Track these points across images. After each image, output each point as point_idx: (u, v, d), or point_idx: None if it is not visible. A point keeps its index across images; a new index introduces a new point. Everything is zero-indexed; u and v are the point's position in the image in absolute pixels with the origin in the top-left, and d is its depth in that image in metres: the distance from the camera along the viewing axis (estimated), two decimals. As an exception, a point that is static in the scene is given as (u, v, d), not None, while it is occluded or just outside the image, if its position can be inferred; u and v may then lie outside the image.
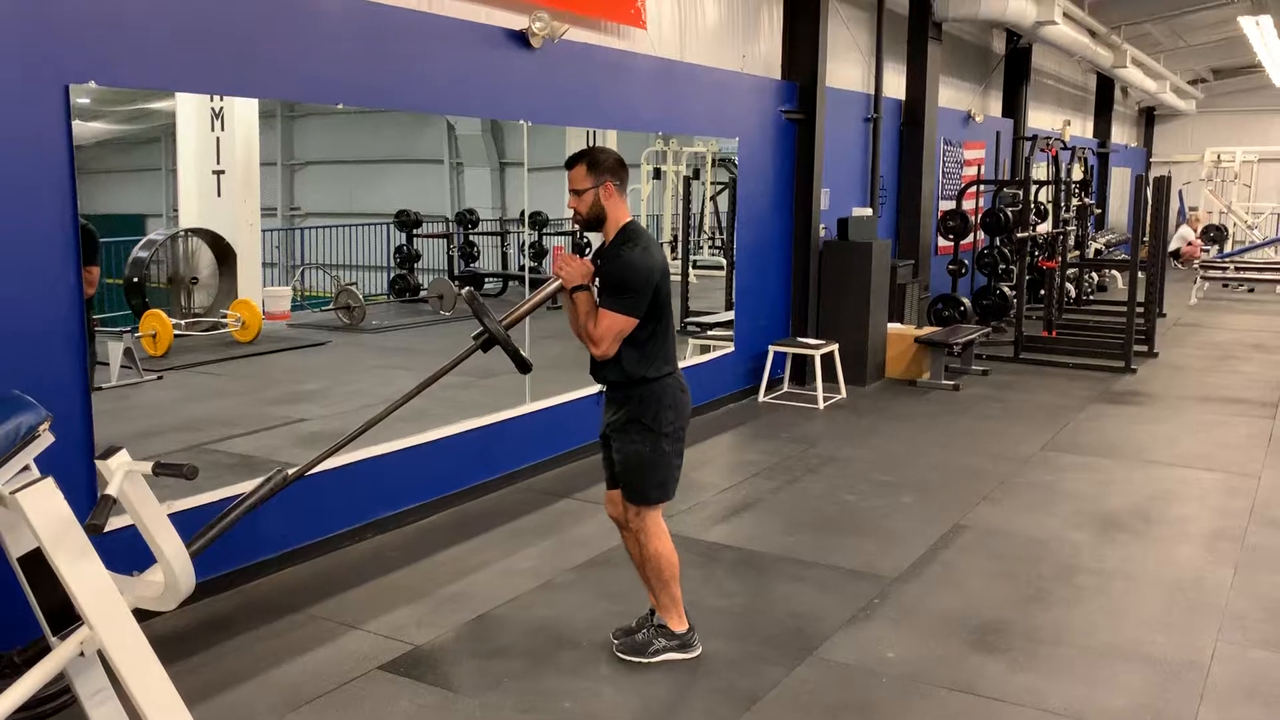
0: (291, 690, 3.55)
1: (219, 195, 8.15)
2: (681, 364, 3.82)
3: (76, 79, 3.72)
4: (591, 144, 10.67)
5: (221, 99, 7.49)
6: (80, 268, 3.80)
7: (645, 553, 3.73)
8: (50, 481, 2.26)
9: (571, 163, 3.58)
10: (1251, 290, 15.87)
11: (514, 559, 4.81)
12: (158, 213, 10.94)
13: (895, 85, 10.42)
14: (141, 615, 2.48)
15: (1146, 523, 5.36)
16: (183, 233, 8.18)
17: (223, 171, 8.06)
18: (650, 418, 3.62)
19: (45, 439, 2.36)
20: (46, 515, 2.23)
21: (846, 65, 9.51)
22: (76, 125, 3.76)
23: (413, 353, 9.30)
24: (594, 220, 3.61)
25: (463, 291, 3.50)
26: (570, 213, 3.64)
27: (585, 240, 11.32)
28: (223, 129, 7.97)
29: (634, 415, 3.63)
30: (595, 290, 3.58)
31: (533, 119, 5.93)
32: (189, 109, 7.94)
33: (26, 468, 2.35)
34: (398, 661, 3.77)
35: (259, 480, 2.83)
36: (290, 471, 2.88)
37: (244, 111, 7.80)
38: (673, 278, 3.81)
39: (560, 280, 3.55)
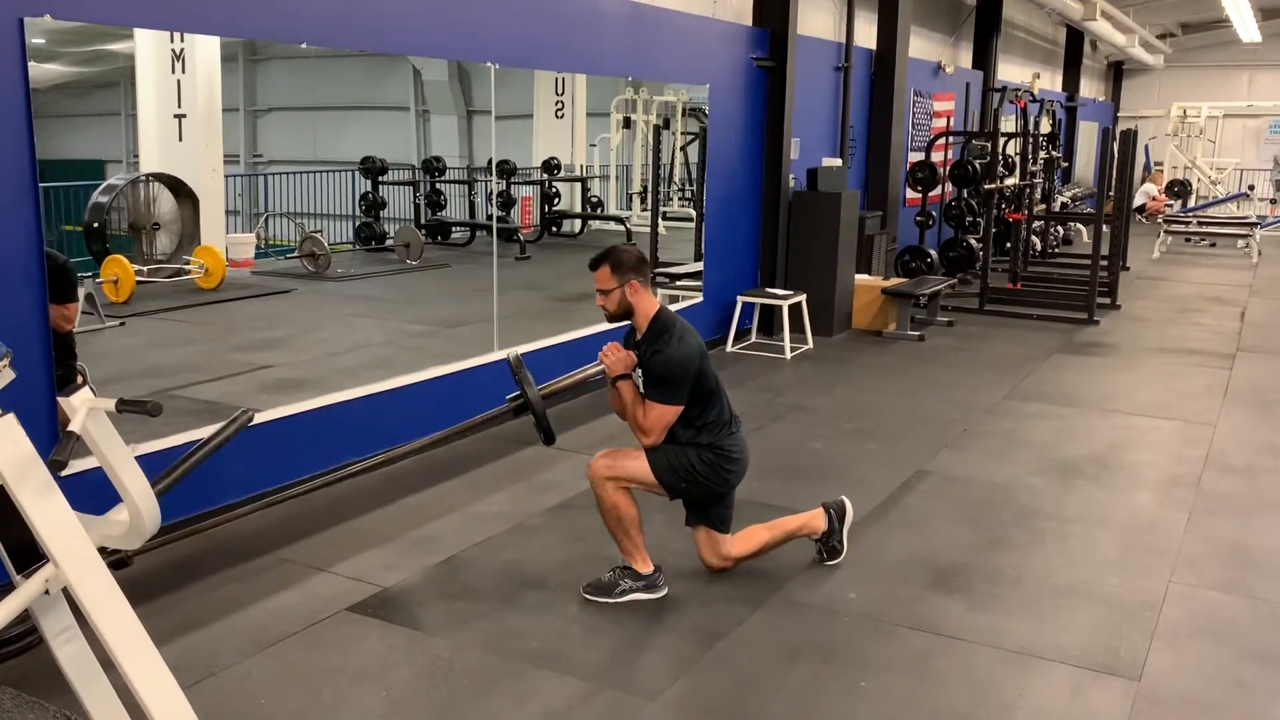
0: (258, 631, 3.56)
1: (180, 140, 7.99)
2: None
3: (31, 12, 3.63)
4: (560, 90, 10.59)
5: (182, 39, 7.33)
6: (39, 207, 3.74)
7: (602, 505, 3.82)
8: (12, 417, 2.23)
9: (595, 265, 3.77)
10: (1213, 245, 16.06)
11: (482, 503, 4.83)
12: (118, 158, 10.73)
13: (866, 34, 10.36)
14: (107, 558, 2.47)
15: (1105, 469, 5.46)
16: (144, 178, 8.03)
17: (184, 115, 7.89)
18: (698, 463, 3.80)
19: (5, 375, 2.32)
20: (8, 451, 2.21)
21: (818, 13, 9.45)
22: (32, 68, 3.67)
23: (378, 301, 9.24)
24: (623, 316, 3.79)
25: (510, 357, 3.73)
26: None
27: (554, 191, 11.25)
28: (184, 71, 7.80)
29: (697, 448, 3.80)
30: (637, 379, 3.78)
31: (501, 61, 5.86)
32: (149, 51, 7.76)
33: (-14, 405, 2.32)
34: (365, 603, 3.79)
35: (223, 423, 2.82)
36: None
37: (206, 53, 7.63)
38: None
39: (603, 367, 3.75)
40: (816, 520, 4.15)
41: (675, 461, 3.78)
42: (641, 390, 3.78)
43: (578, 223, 11.67)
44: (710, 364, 3.81)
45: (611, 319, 3.83)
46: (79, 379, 4.11)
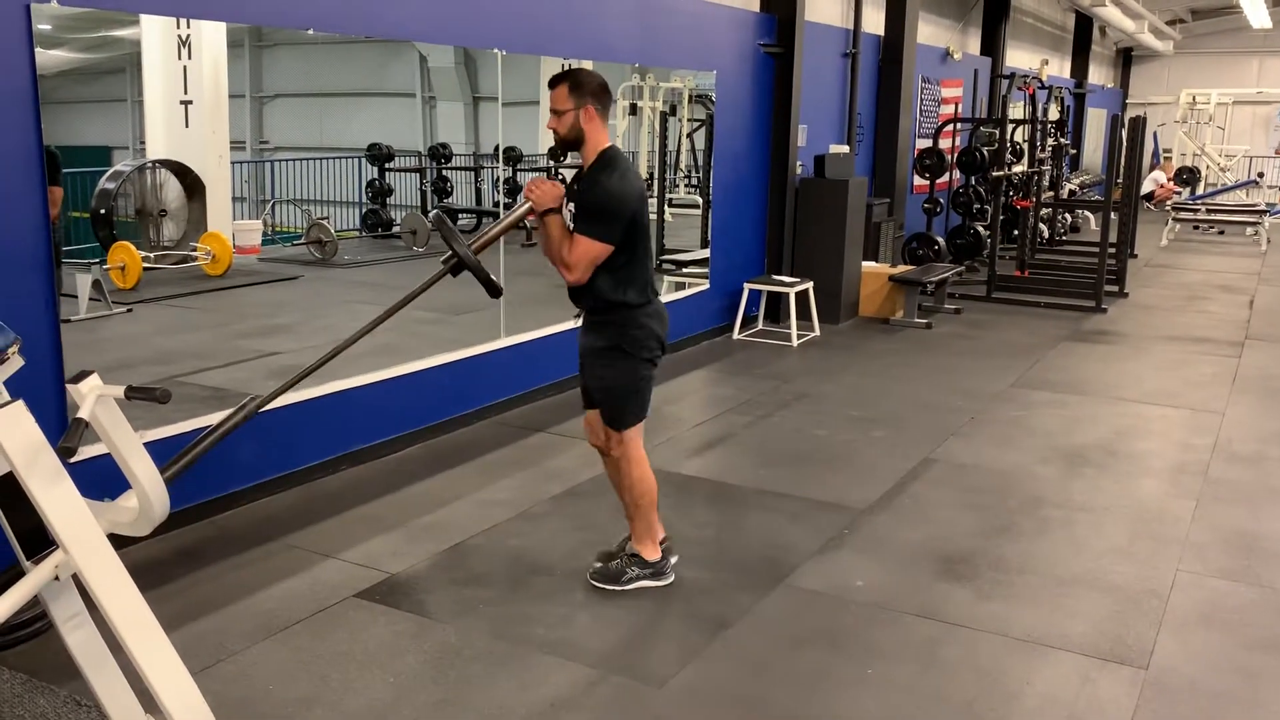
0: (266, 617, 3.58)
1: (187, 126, 8.00)
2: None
3: (38, -2, 3.62)
4: (567, 77, 10.48)
5: (189, 25, 7.31)
6: (46, 195, 3.74)
7: (626, 480, 3.76)
8: (21, 404, 2.23)
9: (554, 82, 3.53)
10: (1222, 232, 15.99)
11: (489, 490, 4.84)
12: (124, 144, 10.72)
13: (874, 20, 10.31)
14: (117, 545, 2.47)
15: (1112, 457, 5.45)
16: (150, 164, 8.03)
17: (190, 102, 7.89)
18: (629, 343, 3.61)
19: (15, 361, 2.33)
20: (18, 438, 2.21)
21: (825, -1, 9.40)
22: (39, 54, 3.67)
23: (385, 288, 9.23)
24: (573, 142, 3.56)
25: (432, 215, 3.45)
26: (549, 136, 3.58)
27: (560, 176, 11.22)
28: (190, 58, 7.79)
29: (613, 341, 3.63)
30: (568, 214, 3.55)
31: (507, 48, 5.84)
32: (155, 37, 7.75)
33: (-4, 391, 2.32)
34: (373, 589, 3.80)
35: (231, 410, 2.82)
36: (262, 397, 2.87)
37: (212, 39, 7.62)
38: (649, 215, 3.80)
39: (530, 203, 3.51)
40: (651, 544, 3.83)
41: (621, 393, 3.64)
42: (571, 226, 3.54)
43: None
44: (645, 215, 3.60)
45: (560, 145, 3.58)
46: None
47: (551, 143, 3.68)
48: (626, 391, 3.67)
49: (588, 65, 7.33)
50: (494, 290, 3.38)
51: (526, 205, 3.53)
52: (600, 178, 3.51)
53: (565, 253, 3.50)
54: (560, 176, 3.62)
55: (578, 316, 3.79)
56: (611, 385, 3.68)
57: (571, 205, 3.55)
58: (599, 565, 3.89)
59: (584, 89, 3.51)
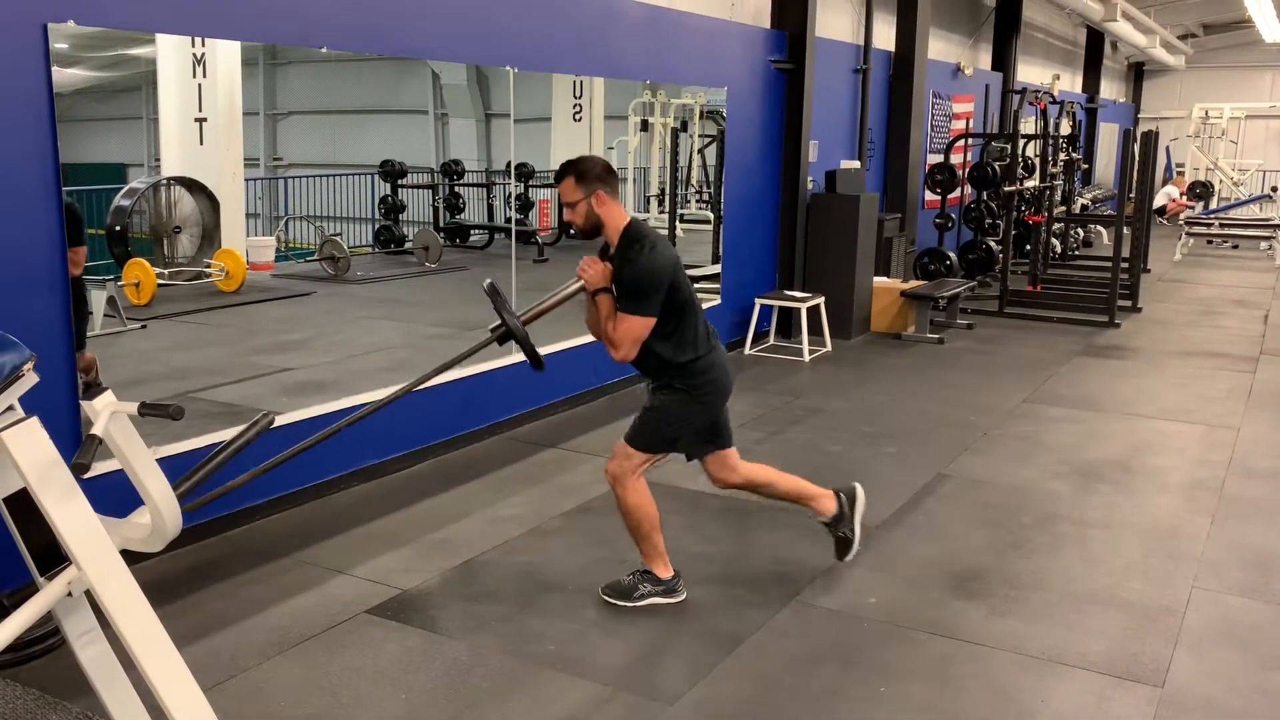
0: (279, 633, 3.58)
1: (201, 143, 8.06)
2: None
3: (55, 17, 3.66)
4: (578, 94, 10.60)
5: (203, 44, 7.38)
6: (62, 210, 3.77)
7: (623, 506, 3.78)
8: (35, 421, 2.24)
9: (559, 177, 3.63)
10: (1236, 247, 15.93)
11: (500, 506, 4.84)
12: (139, 162, 10.81)
13: (885, 36, 10.33)
14: (130, 561, 2.48)
15: (1127, 473, 5.42)
16: (165, 181, 8.09)
17: (205, 119, 7.95)
18: (686, 385, 3.69)
19: (29, 379, 2.33)
20: (32, 454, 2.22)
21: (836, 15, 9.43)
22: (55, 72, 3.70)
23: (398, 304, 9.27)
24: (592, 230, 3.65)
25: (485, 284, 3.56)
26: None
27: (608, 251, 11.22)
28: (204, 76, 7.86)
29: (671, 383, 3.72)
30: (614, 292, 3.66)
31: (519, 65, 5.87)
32: (170, 55, 7.82)
33: (11, 408, 2.33)
34: (385, 605, 3.80)
35: (244, 426, 2.83)
36: (284, 452, 2.89)
37: (226, 57, 7.69)
38: (660, 231, 3.83)
39: (583, 282, 3.62)
40: (827, 501, 4.06)
41: (661, 421, 3.71)
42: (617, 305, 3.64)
43: (595, 225, 11.64)
44: (684, 277, 3.66)
45: (580, 234, 3.66)
46: (94, 361, 4.08)
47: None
48: (666, 420, 3.72)
49: (599, 83, 7.36)
50: (537, 364, 3.53)
51: (579, 283, 3.64)
52: (630, 255, 3.57)
53: (611, 331, 3.60)
54: (604, 251, 3.67)
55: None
56: (656, 406, 3.74)
57: (612, 285, 3.64)
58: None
59: (589, 176, 3.60)
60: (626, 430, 3.78)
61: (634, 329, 3.56)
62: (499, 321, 3.43)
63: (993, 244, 11.20)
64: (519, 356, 6.03)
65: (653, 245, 3.57)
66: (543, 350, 6.31)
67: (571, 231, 3.73)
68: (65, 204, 3.81)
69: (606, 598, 3.83)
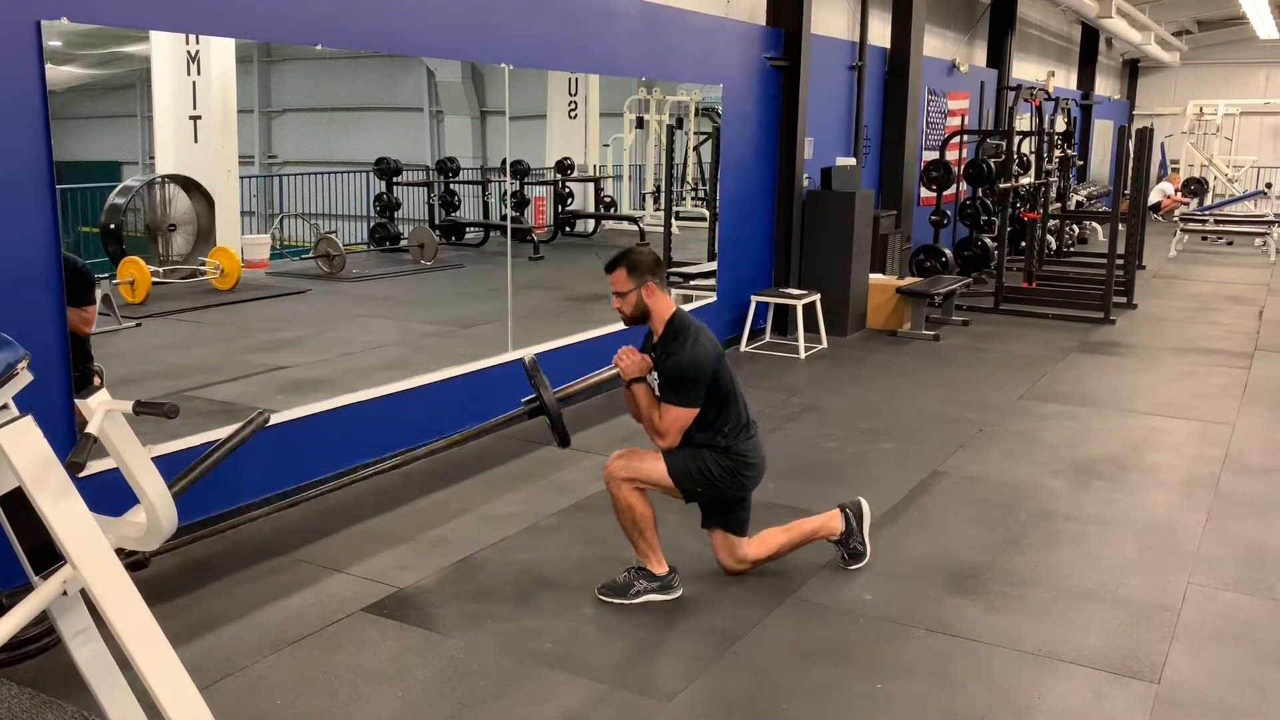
0: (274, 631, 3.57)
1: (196, 141, 8.03)
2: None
3: (48, 14, 3.64)
4: (573, 91, 10.61)
5: (198, 41, 7.35)
6: (56, 211, 3.75)
7: (617, 505, 3.81)
8: (29, 419, 2.23)
9: (611, 267, 3.76)
10: (1230, 243, 15.95)
11: (496, 504, 4.83)
12: (134, 160, 10.78)
13: (880, 33, 10.33)
14: (125, 559, 2.48)
15: (1122, 470, 5.43)
16: (159, 179, 8.06)
17: (199, 117, 7.93)
18: (721, 469, 3.79)
19: (23, 377, 2.33)
20: (26, 453, 2.21)
21: (832, 12, 9.42)
22: (49, 70, 3.69)
23: (393, 302, 9.25)
24: (639, 318, 3.77)
25: (526, 360, 3.74)
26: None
27: (568, 191, 11.25)
28: (199, 73, 7.83)
29: (714, 458, 3.79)
30: (653, 382, 3.76)
31: (515, 62, 5.86)
32: (164, 53, 7.79)
33: (5, 406, 2.32)
34: (381, 604, 3.79)
35: (239, 424, 2.82)
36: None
37: (221, 55, 7.66)
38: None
39: (618, 371, 3.74)
40: (833, 522, 4.12)
41: (692, 465, 3.77)
42: (657, 393, 3.77)
43: (591, 223, 11.66)
44: (727, 366, 3.79)
45: (628, 322, 3.82)
46: (96, 380, 4.12)
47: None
48: (697, 469, 3.77)
49: (595, 80, 7.36)
50: (564, 442, 3.70)
51: (614, 371, 3.77)
52: (675, 347, 3.69)
53: (657, 420, 3.72)
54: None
55: None
56: (695, 454, 3.78)
57: (654, 374, 3.74)
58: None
59: (641, 269, 3.73)
60: (675, 479, 3.82)
61: (679, 420, 3.70)
62: (534, 395, 3.63)
63: (988, 241, 11.21)
64: (514, 355, 6.04)
65: (696, 337, 3.70)
66: (539, 348, 6.34)
67: (625, 321, 3.84)
68: (73, 265, 3.84)
69: (602, 596, 3.83)
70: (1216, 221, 15.99)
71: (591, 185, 11.52)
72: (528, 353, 3.76)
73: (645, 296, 3.73)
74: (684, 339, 3.70)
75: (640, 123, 10.64)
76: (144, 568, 3.37)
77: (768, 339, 8.45)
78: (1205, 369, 7.73)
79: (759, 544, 4.01)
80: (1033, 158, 11.89)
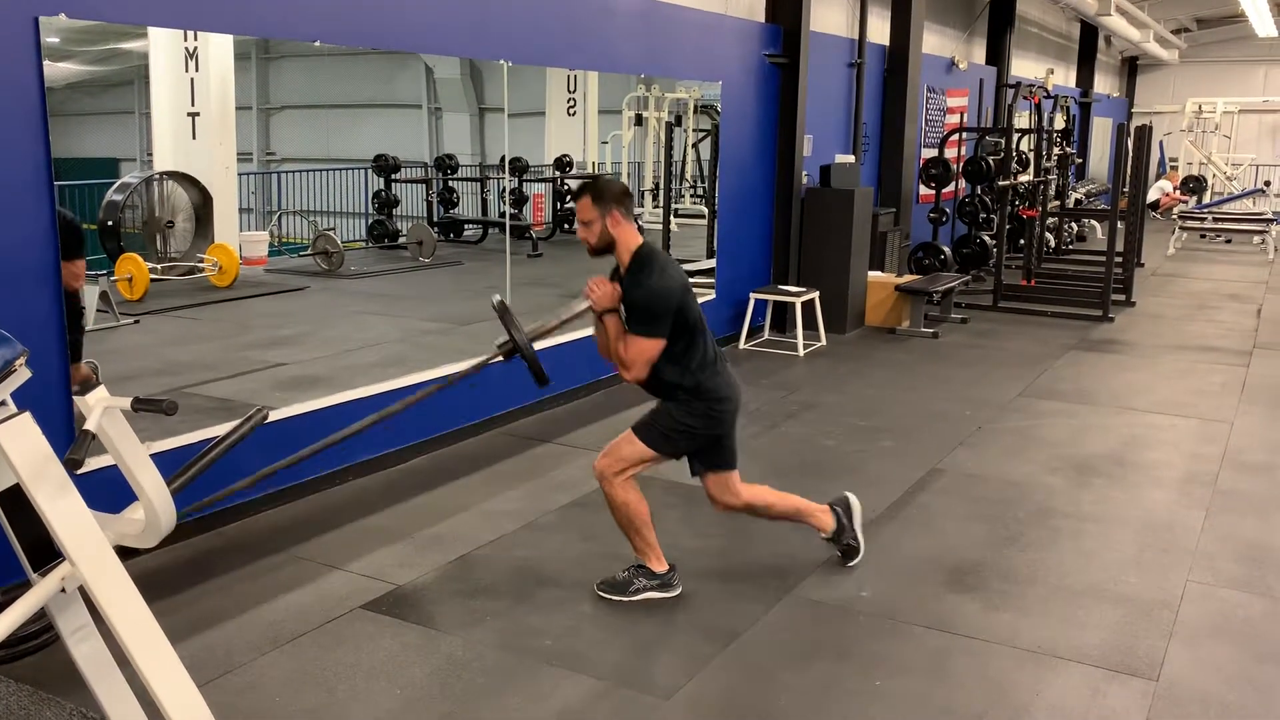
0: (273, 628, 3.57)
1: (194, 138, 8.01)
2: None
3: (46, 11, 3.64)
4: (572, 88, 10.60)
5: (196, 38, 7.34)
6: (55, 207, 3.75)
7: (612, 503, 3.79)
8: (27, 416, 2.23)
9: (577, 195, 3.68)
10: (1229, 241, 15.95)
11: (495, 501, 4.83)
12: (132, 156, 10.76)
13: (879, 30, 10.33)
14: (123, 556, 2.47)
15: (1121, 467, 5.43)
16: (157, 176, 8.05)
17: (197, 114, 7.91)
18: (699, 415, 3.72)
19: (21, 374, 2.32)
20: (24, 450, 2.21)
21: (831, 9, 9.42)
22: (47, 67, 3.68)
23: (391, 299, 9.24)
24: (604, 249, 3.69)
25: (495, 301, 3.62)
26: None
27: (567, 188, 11.25)
28: (197, 70, 7.82)
29: (690, 409, 3.72)
30: (623, 313, 3.69)
31: (514, 59, 5.85)
32: (162, 49, 7.78)
33: (3, 403, 2.32)
34: (380, 601, 3.79)
35: (238, 420, 2.82)
36: (278, 464, 2.88)
37: (219, 52, 7.65)
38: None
39: (590, 303, 3.66)
40: (824, 517, 4.08)
41: (664, 426, 3.72)
42: (626, 326, 3.68)
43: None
44: (693, 300, 3.70)
45: (592, 252, 3.72)
46: (92, 377, 4.11)
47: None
48: (670, 419, 3.72)
49: (594, 77, 7.35)
50: (542, 380, 3.59)
51: (586, 304, 3.68)
52: (641, 278, 3.61)
53: (623, 352, 3.65)
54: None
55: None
56: (664, 409, 3.75)
57: (621, 306, 3.67)
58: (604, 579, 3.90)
59: (606, 197, 3.64)
60: (637, 426, 3.79)
61: (645, 350, 3.62)
62: (507, 338, 3.52)
63: (987, 238, 11.21)
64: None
65: (663, 268, 3.64)
66: (537, 346, 6.31)
67: (589, 251, 3.76)
68: (64, 218, 3.80)
69: (601, 593, 3.83)
70: (1215, 219, 15.99)
71: (590, 182, 11.47)
72: (496, 296, 3.65)
73: (610, 226, 3.63)
74: (650, 270, 3.61)
75: (639, 120, 10.63)
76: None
77: (766, 336, 8.45)
78: (1204, 367, 7.73)
79: (751, 490, 3.95)
80: (1031, 155, 11.90)
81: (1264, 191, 19.80)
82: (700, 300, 8.22)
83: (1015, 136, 11.18)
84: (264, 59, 12.11)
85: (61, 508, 2.24)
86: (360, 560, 4.14)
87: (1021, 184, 11.33)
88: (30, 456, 2.22)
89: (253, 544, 4.29)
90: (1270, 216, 15.72)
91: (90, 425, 2.25)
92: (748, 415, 6.28)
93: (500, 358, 3.57)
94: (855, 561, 4.12)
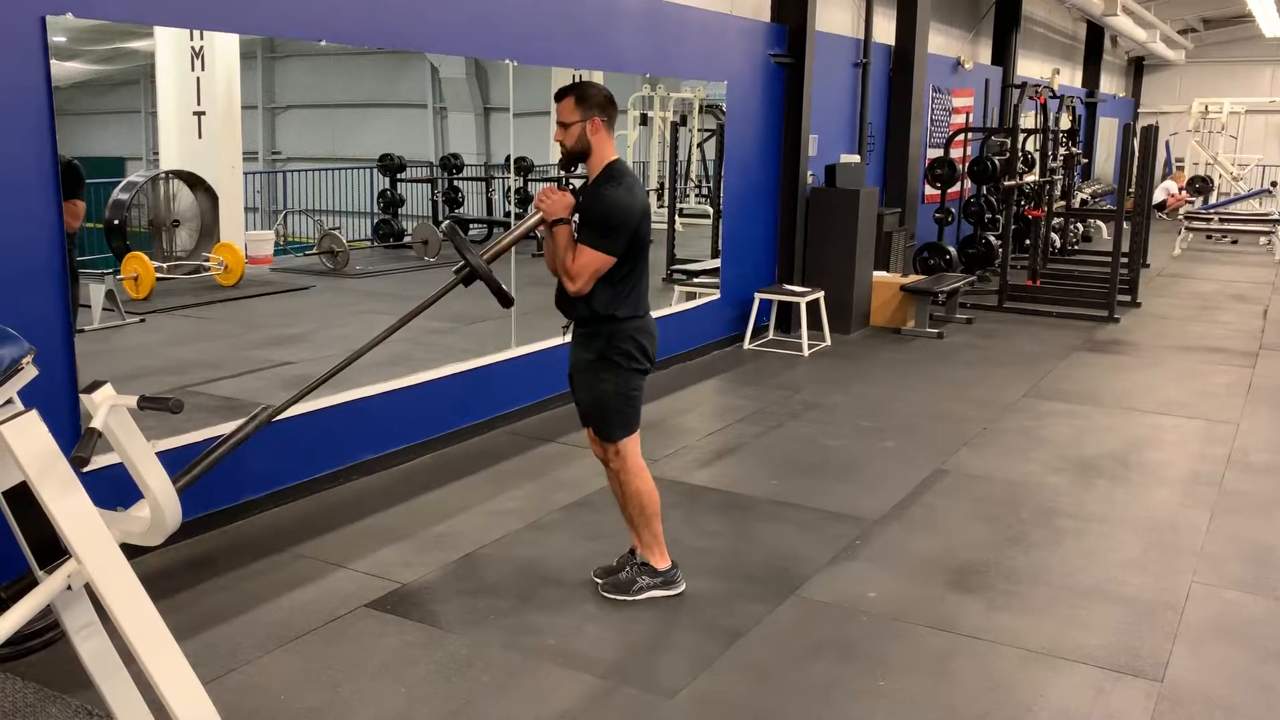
0: (278, 627, 3.58)
1: (200, 137, 8.04)
2: (667, 311, 3.84)
3: (53, 10, 3.65)
4: (578, 87, 10.53)
5: (202, 37, 7.36)
6: (60, 206, 3.76)
7: (626, 491, 3.76)
8: (34, 414, 2.24)
9: (560, 95, 3.55)
10: (1235, 242, 15.92)
11: (499, 500, 4.84)
12: (138, 155, 10.79)
13: (885, 30, 10.32)
14: (129, 554, 2.48)
15: (1125, 468, 5.42)
16: (163, 175, 8.07)
17: (203, 113, 7.94)
18: (618, 354, 3.62)
19: (28, 372, 2.33)
20: (31, 448, 2.22)
21: (836, 9, 9.41)
22: (54, 66, 3.69)
23: (397, 298, 9.25)
24: (579, 154, 3.57)
25: (443, 225, 3.47)
26: (560, 147, 3.60)
27: (571, 187, 11.25)
28: (203, 69, 7.84)
29: (600, 353, 3.63)
30: (575, 225, 3.57)
31: (519, 58, 5.86)
32: (168, 49, 7.80)
33: (10, 401, 2.33)
34: (384, 599, 3.80)
35: (243, 419, 2.83)
36: (274, 407, 2.87)
37: (225, 51, 7.67)
38: (659, 226, 3.82)
39: (541, 213, 3.53)
40: (656, 552, 3.81)
41: (615, 402, 3.63)
42: (576, 237, 3.56)
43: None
44: (648, 230, 3.61)
45: (567, 156, 3.58)
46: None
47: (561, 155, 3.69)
48: (614, 403, 3.66)
49: (599, 76, 7.36)
50: (505, 300, 3.41)
51: (537, 215, 3.55)
52: (604, 190, 3.52)
53: (569, 262, 3.51)
54: (571, 187, 3.63)
55: (566, 328, 3.80)
56: (599, 397, 3.68)
57: (576, 216, 3.56)
58: (602, 579, 3.88)
59: (590, 101, 3.52)
60: (594, 428, 3.73)
61: (594, 262, 3.48)
62: (462, 263, 3.34)
63: (992, 239, 11.20)
64: (517, 351, 6.05)
65: (629, 187, 3.54)
66: (540, 345, 6.33)
67: (563, 154, 3.61)
68: (64, 161, 3.78)
69: (605, 593, 3.83)
70: (1221, 220, 15.96)
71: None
72: (445, 222, 3.55)
73: (590, 132, 3.51)
74: (617, 183, 3.51)
75: (644, 120, 10.64)
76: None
77: (771, 336, 8.45)
78: (1209, 368, 7.72)
79: (625, 471, 3.75)
80: (1037, 155, 11.88)
81: (1270, 192, 19.76)
82: (705, 300, 8.26)
83: (1021, 136, 11.17)
84: (269, 58, 12.14)
85: (68, 505, 2.25)
86: (364, 559, 4.15)
87: (1027, 184, 11.32)
88: (37, 454, 2.23)
89: (257, 542, 4.30)
90: (1277, 217, 15.68)
91: (96, 423, 2.26)
92: (752, 415, 6.28)
93: (460, 284, 3.38)
94: (614, 596, 3.82)
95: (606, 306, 3.58)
